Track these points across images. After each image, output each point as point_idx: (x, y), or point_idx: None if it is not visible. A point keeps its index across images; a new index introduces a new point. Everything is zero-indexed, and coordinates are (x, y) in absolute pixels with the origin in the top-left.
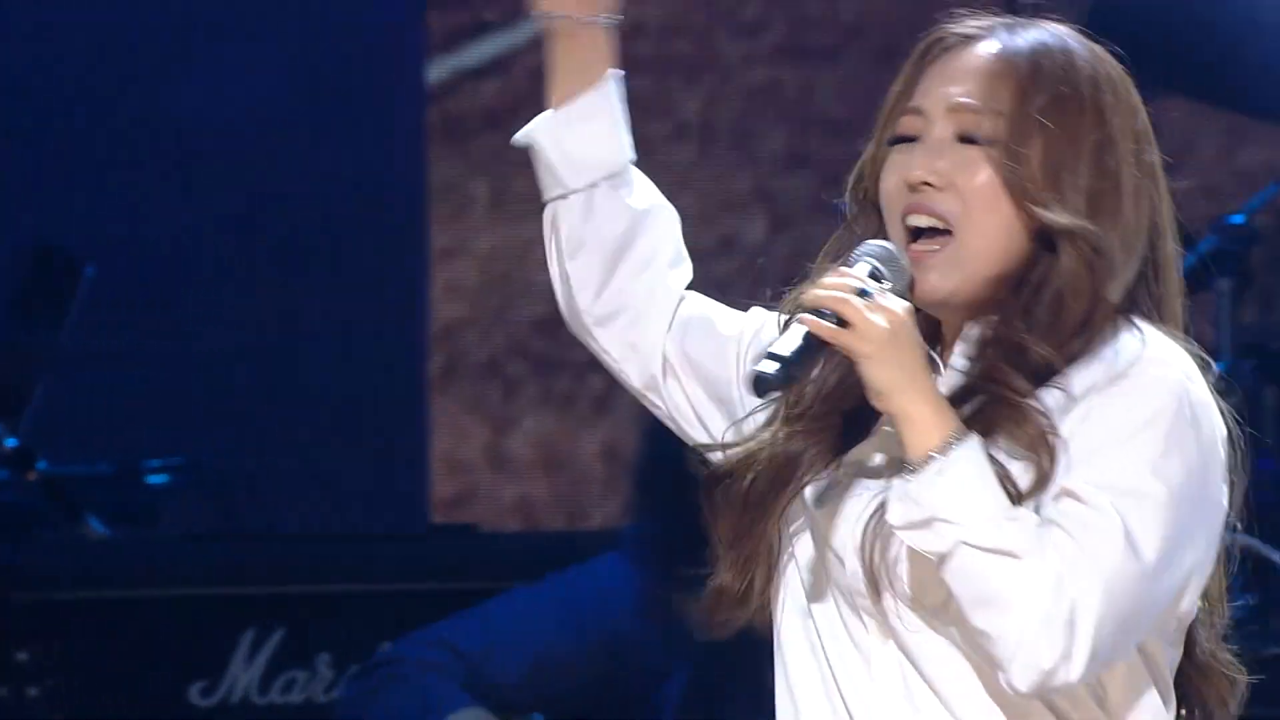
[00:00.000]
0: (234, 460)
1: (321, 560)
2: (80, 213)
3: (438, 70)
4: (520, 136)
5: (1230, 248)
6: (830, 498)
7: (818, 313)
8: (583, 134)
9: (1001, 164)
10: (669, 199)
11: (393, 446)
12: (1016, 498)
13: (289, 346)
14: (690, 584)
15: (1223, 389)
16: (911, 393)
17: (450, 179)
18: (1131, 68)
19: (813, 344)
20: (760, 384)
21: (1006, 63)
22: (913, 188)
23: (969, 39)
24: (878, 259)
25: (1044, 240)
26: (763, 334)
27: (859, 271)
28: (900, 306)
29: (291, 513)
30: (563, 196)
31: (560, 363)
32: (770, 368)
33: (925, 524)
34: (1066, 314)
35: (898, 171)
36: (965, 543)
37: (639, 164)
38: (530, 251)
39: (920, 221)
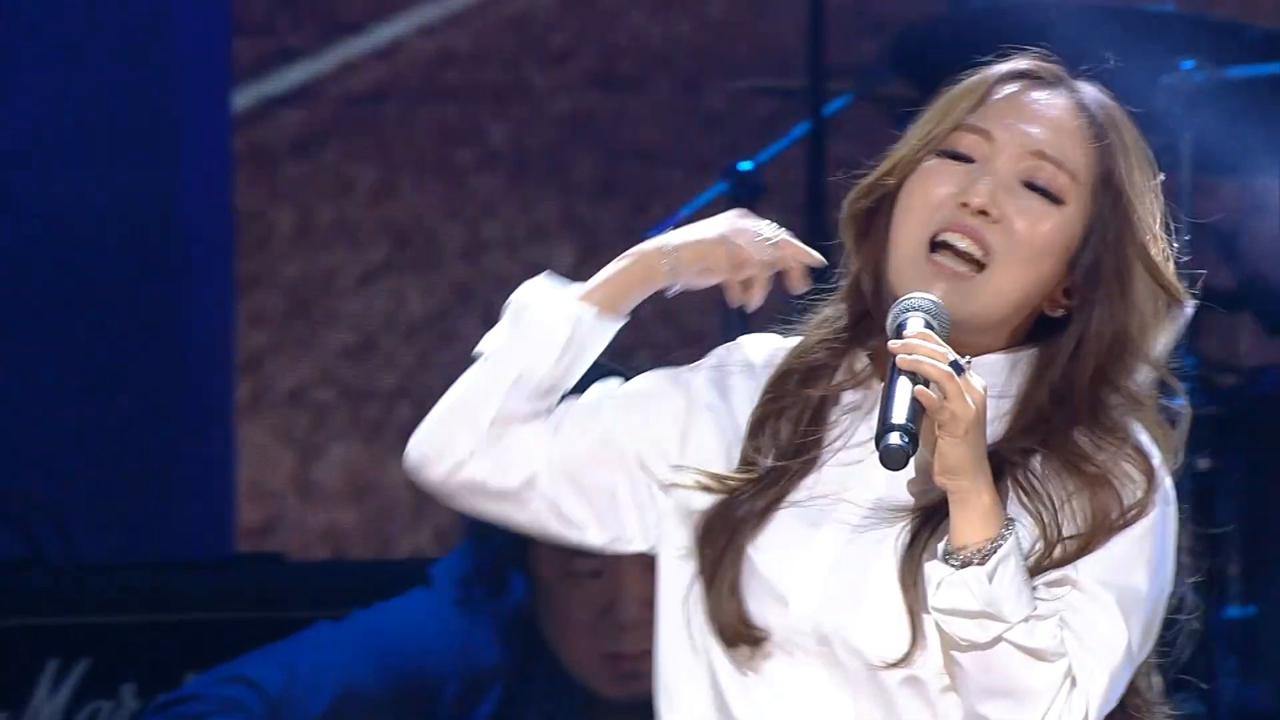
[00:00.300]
0: (37, 488)
1: (126, 589)
2: None
3: (243, 97)
4: (541, 307)
5: None
6: (772, 540)
7: (913, 376)
8: (590, 352)
9: (1065, 227)
10: (477, 228)
11: (199, 475)
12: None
13: (93, 374)
14: (497, 622)
15: None
16: (978, 478)
17: (256, 207)
18: (936, 96)
19: (920, 407)
20: (895, 456)
21: (1094, 130)
22: (970, 209)
23: (1046, 82)
24: (929, 314)
25: (1064, 301)
26: (633, 397)
27: (916, 326)
28: (982, 386)
29: (96, 541)
30: (518, 380)
31: (368, 391)
32: (898, 439)
33: (973, 615)
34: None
35: (950, 185)
36: (1005, 639)
37: (449, 192)
38: (335, 280)
39: (961, 243)
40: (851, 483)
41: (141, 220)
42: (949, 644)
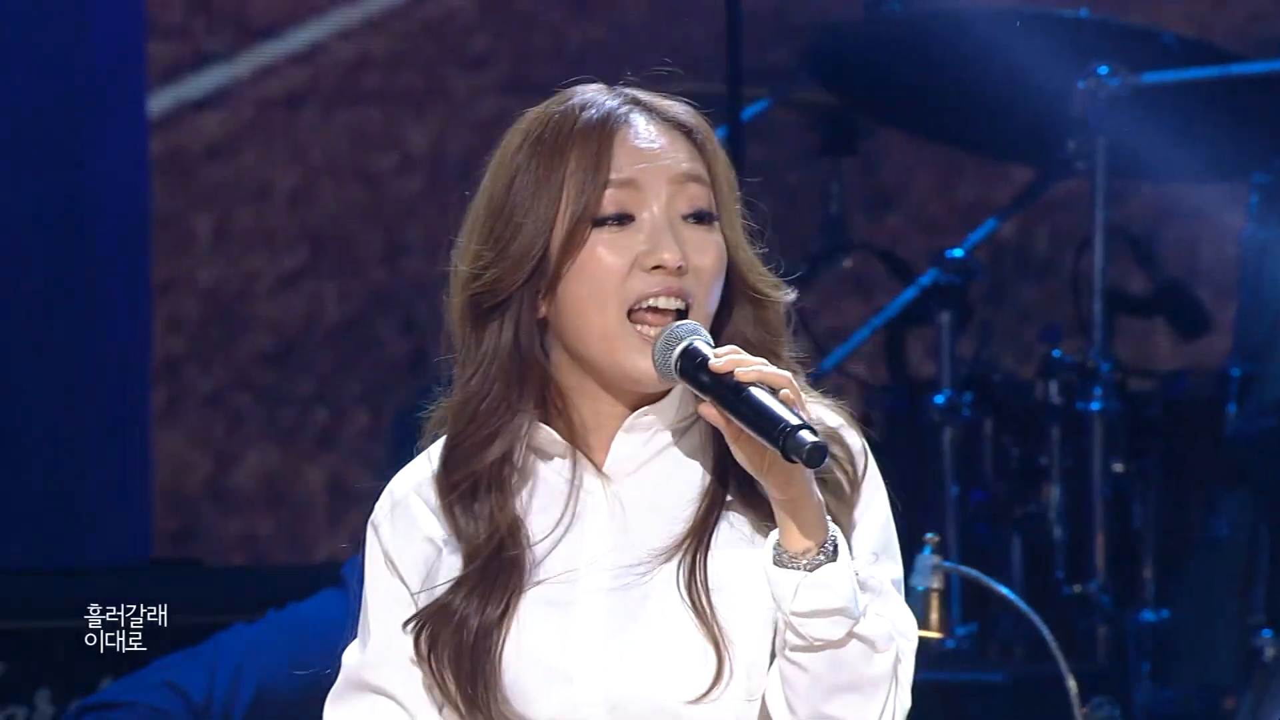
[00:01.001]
0: None
1: (42, 595)
2: None
3: (159, 101)
4: None
5: (950, 281)
6: (529, 633)
7: (766, 386)
8: None
9: (725, 242)
10: (395, 232)
11: (115, 480)
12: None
13: (8, 379)
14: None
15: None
16: (812, 479)
17: (172, 211)
18: (853, 102)
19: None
20: (821, 450)
21: (696, 137)
22: (667, 270)
23: (640, 106)
24: (702, 335)
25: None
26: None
27: (706, 349)
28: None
29: (11, 546)
30: None
31: (284, 396)
32: (815, 435)
33: (832, 613)
34: None
35: (627, 253)
36: (854, 633)
37: (367, 196)
38: (252, 284)
39: (673, 304)
40: (581, 548)
41: (57, 225)
42: (799, 648)
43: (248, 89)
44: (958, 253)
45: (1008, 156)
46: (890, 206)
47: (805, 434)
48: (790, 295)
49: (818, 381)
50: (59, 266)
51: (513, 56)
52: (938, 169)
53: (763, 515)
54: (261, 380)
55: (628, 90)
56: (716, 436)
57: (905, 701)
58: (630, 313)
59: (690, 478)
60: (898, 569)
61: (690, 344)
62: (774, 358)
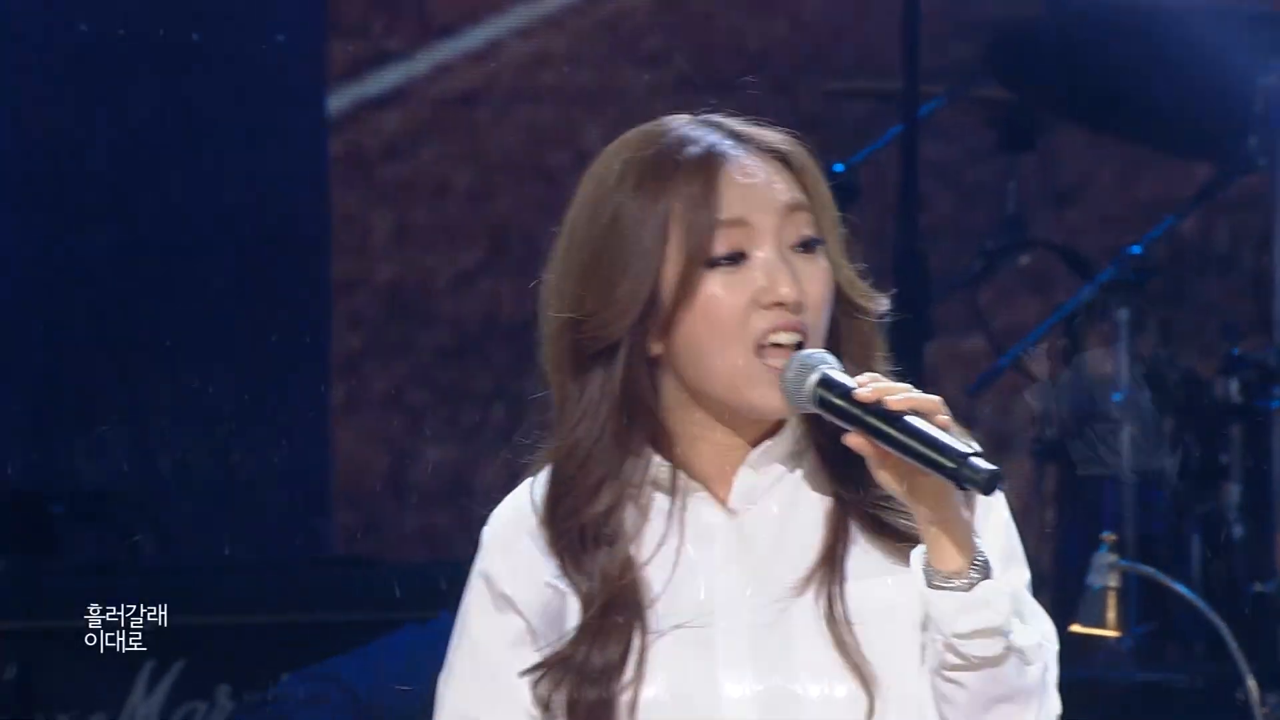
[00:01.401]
0: (134, 490)
1: (222, 590)
2: None
3: (339, 100)
4: None
5: (1129, 278)
6: (667, 683)
7: (917, 413)
8: None
9: (832, 266)
10: None
11: (294, 477)
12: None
13: (190, 377)
14: None
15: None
16: (961, 501)
17: (352, 209)
18: (1032, 98)
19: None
20: (998, 476)
21: (795, 164)
22: (788, 307)
23: (744, 139)
24: (833, 364)
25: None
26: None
27: (842, 376)
28: None
29: (192, 543)
30: None
31: (464, 393)
32: (987, 461)
33: (991, 631)
34: None
35: (745, 291)
36: (1010, 647)
37: (545, 193)
38: (432, 282)
39: (793, 339)
40: (712, 587)
41: (238, 223)
42: (958, 668)
43: (426, 87)
44: (1137, 249)
45: (1188, 152)
46: (1069, 203)
47: (979, 461)
48: (884, 306)
49: (995, 378)
50: (240, 264)
51: (689, 54)
52: (1117, 165)
53: (891, 537)
54: (440, 377)
55: (721, 121)
56: (828, 460)
57: (1056, 707)
58: (757, 349)
59: (811, 504)
60: (1026, 572)
61: (825, 375)
62: (874, 370)
